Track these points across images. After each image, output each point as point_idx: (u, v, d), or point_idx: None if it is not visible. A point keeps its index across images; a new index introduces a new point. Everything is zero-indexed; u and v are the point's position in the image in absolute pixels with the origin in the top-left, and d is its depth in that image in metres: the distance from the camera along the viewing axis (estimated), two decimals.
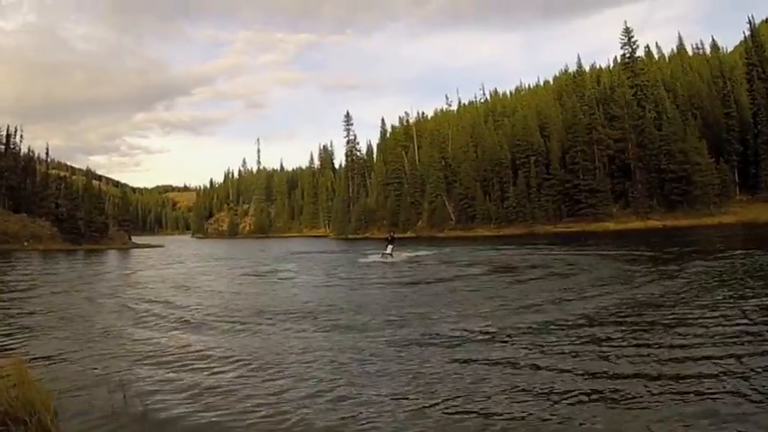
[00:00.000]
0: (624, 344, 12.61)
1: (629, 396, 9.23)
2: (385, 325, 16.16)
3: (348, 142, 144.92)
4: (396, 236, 50.10)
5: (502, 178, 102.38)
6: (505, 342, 13.44)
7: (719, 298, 17.96)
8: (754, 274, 23.22)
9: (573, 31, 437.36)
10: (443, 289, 24.54)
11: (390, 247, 44.33)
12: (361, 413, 9.10)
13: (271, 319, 18.22)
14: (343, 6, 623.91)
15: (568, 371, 10.74)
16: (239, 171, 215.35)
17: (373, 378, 10.98)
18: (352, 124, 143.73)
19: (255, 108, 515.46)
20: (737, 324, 13.85)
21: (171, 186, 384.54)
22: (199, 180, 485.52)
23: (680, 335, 13.16)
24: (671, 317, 15.37)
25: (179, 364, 12.54)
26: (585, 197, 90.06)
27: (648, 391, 9.36)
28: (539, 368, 11.09)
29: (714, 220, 74.05)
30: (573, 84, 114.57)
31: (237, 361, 12.58)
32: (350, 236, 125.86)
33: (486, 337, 14.18)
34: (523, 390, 9.81)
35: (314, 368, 11.78)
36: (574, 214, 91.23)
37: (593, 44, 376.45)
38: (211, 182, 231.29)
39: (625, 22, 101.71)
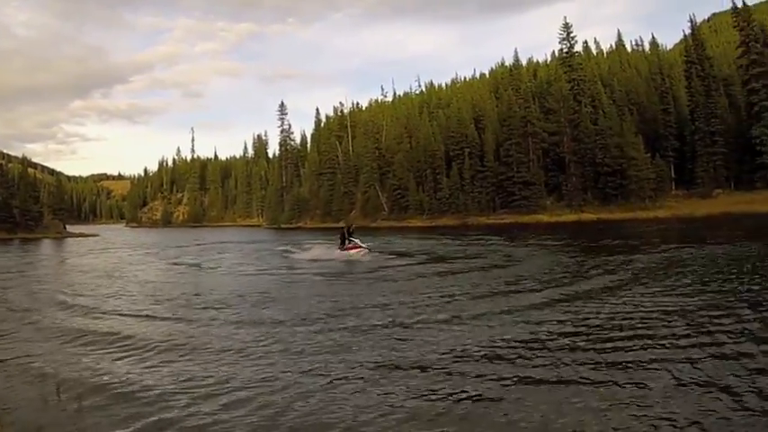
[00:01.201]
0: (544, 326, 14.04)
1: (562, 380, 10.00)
2: (303, 316, 16.74)
3: (282, 131, 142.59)
4: (345, 226, 44.09)
5: (435, 170, 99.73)
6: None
7: (656, 288, 18.92)
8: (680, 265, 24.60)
9: (512, 26, 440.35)
10: (377, 279, 25.06)
11: (355, 241, 38.15)
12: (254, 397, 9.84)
13: (194, 307, 19.39)
14: None
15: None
16: (173, 160, 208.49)
17: (273, 359, 12.14)
18: (286, 114, 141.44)
19: (193, 97, 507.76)
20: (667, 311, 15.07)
21: (106, 175, 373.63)
22: (134, 169, 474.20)
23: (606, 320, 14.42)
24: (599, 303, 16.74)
25: (104, 351, 13.53)
26: (519, 189, 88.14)
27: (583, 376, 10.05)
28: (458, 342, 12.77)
29: (649, 214, 72.84)
30: (509, 77, 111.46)
31: (152, 348, 13.60)
32: (283, 225, 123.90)
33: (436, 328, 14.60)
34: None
35: (224, 355, 12.68)
36: (507, 206, 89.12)
37: (533, 39, 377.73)
38: (146, 170, 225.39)
39: (564, 17, 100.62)
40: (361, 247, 37.50)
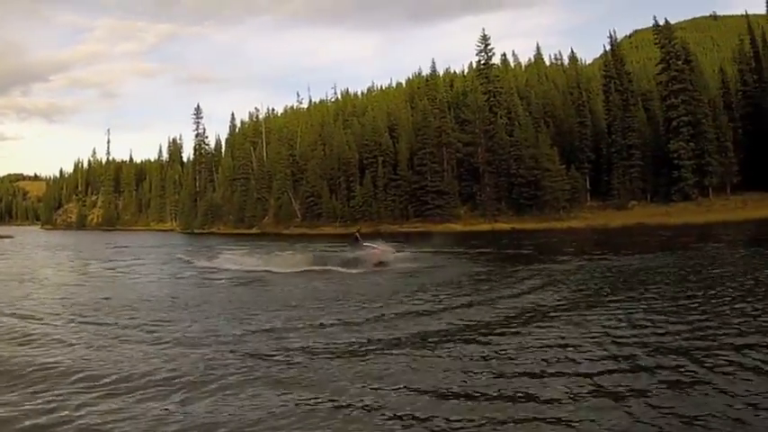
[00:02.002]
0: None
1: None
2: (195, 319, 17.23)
3: (197, 136, 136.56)
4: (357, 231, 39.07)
5: (349, 177, 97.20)
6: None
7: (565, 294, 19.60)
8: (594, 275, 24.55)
9: (435, 36, 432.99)
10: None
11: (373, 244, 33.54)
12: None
13: (104, 312, 18.98)
14: None
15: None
16: (89, 161, 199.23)
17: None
18: (201, 117, 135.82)
19: (110, 98, 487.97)
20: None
21: (23, 175, 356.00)
22: (51, 169, 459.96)
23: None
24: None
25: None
26: (433, 198, 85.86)
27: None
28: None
29: (563, 224, 71.58)
30: (425, 87, 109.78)
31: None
32: (196, 230, 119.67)
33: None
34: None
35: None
36: (421, 215, 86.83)
37: (454, 50, 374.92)
38: (61, 172, 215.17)
39: (483, 29, 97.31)
40: (377, 248, 33.17)
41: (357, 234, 35.90)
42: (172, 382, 10.87)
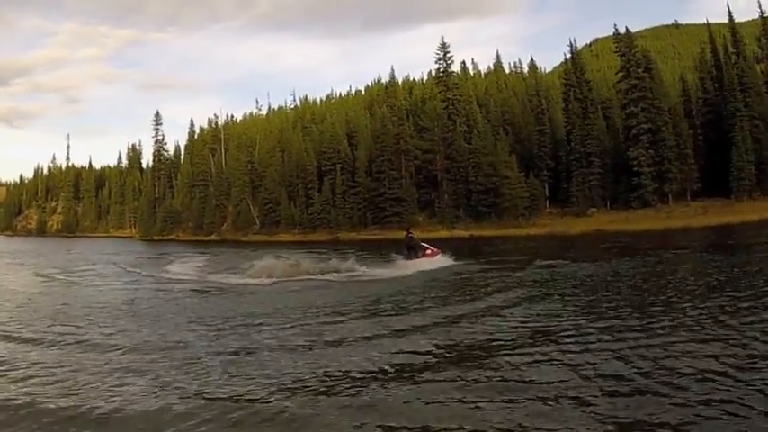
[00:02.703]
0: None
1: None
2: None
3: (156, 142, 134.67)
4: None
5: (307, 184, 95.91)
6: None
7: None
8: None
9: (393, 45, 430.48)
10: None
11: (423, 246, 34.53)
12: None
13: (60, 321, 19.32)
14: (169, 3, 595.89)
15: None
16: (49, 167, 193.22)
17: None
18: (161, 124, 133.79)
19: (72, 103, 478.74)
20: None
21: None
22: (12, 175, 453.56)
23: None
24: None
25: None
26: (391, 206, 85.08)
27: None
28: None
29: (522, 231, 70.95)
30: (384, 94, 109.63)
31: None
32: (155, 237, 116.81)
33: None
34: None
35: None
36: (379, 222, 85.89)
37: (415, 58, 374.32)
38: (21, 177, 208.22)
39: (442, 37, 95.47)
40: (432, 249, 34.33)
41: (409, 233, 36.20)
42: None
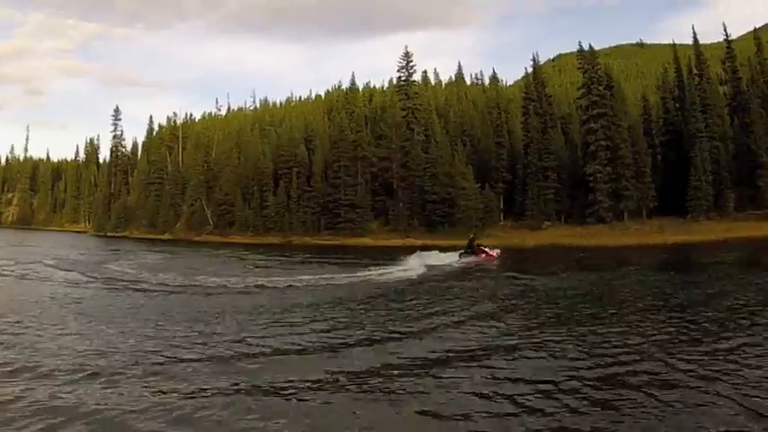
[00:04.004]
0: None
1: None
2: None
3: (114, 137, 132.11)
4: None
5: (263, 187, 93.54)
6: None
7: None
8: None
9: (356, 52, 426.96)
10: None
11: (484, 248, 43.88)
12: None
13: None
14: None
15: None
16: (7, 158, 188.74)
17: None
18: (120, 119, 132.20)
19: (34, 95, 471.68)
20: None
21: None
22: None
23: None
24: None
25: None
26: (345, 212, 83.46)
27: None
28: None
29: (476, 242, 66.96)
30: (344, 100, 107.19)
31: None
32: (109, 233, 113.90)
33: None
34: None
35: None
36: (333, 228, 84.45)
37: (375, 66, 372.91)
38: None
39: (406, 46, 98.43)
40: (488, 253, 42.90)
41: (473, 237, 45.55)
42: None
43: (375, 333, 17.84)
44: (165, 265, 43.81)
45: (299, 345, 16.30)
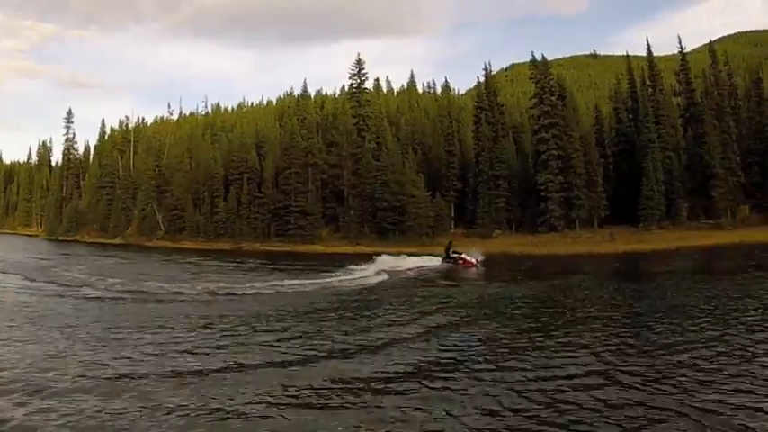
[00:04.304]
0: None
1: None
2: None
3: (67, 140, 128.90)
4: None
5: (213, 193, 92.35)
6: None
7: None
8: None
9: (310, 58, 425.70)
10: None
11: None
12: None
13: None
14: (93, 1, 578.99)
15: None
16: None
17: None
18: (73, 122, 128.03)
19: None
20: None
21: None
22: None
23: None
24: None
25: None
26: (296, 218, 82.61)
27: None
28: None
29: (427, 250, 66.86)
30: (296, 107, 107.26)
31: None
32: (60, 237, 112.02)
33: None
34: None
35: None
36: (283, 234, 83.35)
37: (328, 73, 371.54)
38: None
39: (358, 53, 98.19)
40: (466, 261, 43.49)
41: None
42: None
43: (321, 346, 17.53)
44: (115, 270, 43.96)
45: (257, 356, 16.03)
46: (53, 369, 13.90)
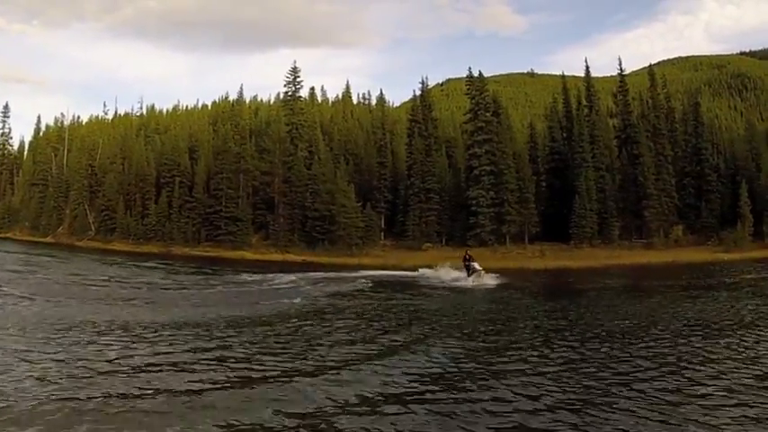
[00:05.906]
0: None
1: None
2: None
3: (2, 135, 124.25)
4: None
5: (145, 195, 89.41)
6: None
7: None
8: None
9: (246, 65, 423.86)
10: None
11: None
12: None
13: None
14: None
15: None
16: None
17: None
18: (8, 117, 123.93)
19: None
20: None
21: None
22: None
23: None
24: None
25: None
26: (226, 224, 79.87)
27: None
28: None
29: (356, 260, 67.35)
30: (230, 112, 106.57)
31: None
32: None
33: None
34: None
35: None
36: (213, 239, 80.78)
37: (264, 79, 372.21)
38: None
39: (294, 61, 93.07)
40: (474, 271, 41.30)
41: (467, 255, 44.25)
42: None
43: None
44: (43, 270, 42.89)
45: (190, 376, 14.43)
46: None
